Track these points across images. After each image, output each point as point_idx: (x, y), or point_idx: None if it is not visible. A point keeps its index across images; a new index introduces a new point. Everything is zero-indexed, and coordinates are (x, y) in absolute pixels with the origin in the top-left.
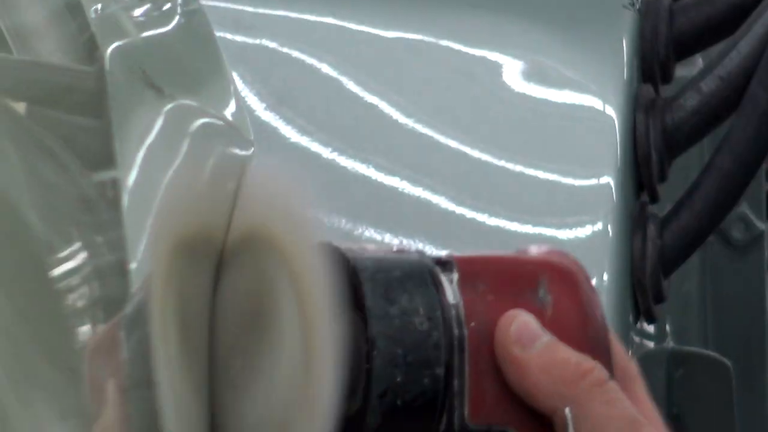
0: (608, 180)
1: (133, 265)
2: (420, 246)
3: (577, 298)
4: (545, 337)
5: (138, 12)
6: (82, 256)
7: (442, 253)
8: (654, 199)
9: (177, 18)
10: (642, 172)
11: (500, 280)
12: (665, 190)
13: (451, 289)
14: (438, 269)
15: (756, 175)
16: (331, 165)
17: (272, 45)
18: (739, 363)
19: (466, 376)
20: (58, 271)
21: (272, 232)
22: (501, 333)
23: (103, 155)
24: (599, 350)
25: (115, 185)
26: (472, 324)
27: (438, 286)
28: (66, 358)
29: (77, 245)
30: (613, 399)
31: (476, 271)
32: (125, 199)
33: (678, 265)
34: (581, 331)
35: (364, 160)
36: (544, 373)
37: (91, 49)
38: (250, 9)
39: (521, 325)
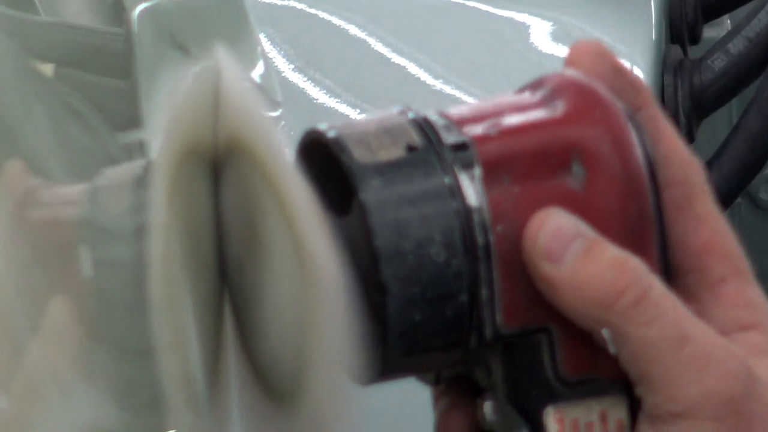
0: None
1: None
2: None
3: (615, 163)
4: (577, 243)
5: None
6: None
7: (455, 118)
8: None
9: None
10: None
11: (527, 164)
12: (694, 150)
13: (473, 188)
14: (457, 165)
15: None
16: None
17: (300, 6)
18: None
19: (495, 285)
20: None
21: (250, 143)
22: (528, 246)
23: (131, 116)
24: (642, 229)
25: (142, 146)
26: (499, 227)
27: (457, 193)
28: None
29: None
30: (653, 317)
31: (499, 158)
32: (152, 160)
33: None
34: (621, 209)
35: None
36: (577, 294)
37: (118, 11)
38: None
39: (550, 234)
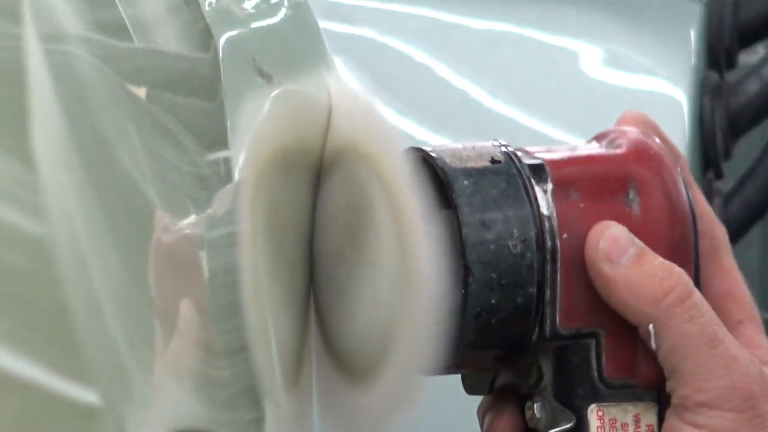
0: None
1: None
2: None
3: (665, 195)
4: (632, 249)
5: (248, 4)
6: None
7: (534, 152)
8: (719, 175)
9: (284, 9)
10: (708, 151)
11: (591, 186)
12: (729, 167)
13: (545, 199)
14: (533, 180)
15: None
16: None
17: (371, 35)
18: None
19: (558, 286)
20: None
21: (361, 145)
22: (590, 248)
23: (217, 136)
24: (684, 251)
25: (227, 163)
26: (565, 235)
27: (533, 200)
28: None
29: (192, 216)
30: (694, 316)
31: (568, 178)
32: (236, 176)
33: (742, 236)
34: (667, 233)
35: (454, 138)
36: (630, 291)
37: (205, 39)
38: (350, 2)
39: (609, 240)
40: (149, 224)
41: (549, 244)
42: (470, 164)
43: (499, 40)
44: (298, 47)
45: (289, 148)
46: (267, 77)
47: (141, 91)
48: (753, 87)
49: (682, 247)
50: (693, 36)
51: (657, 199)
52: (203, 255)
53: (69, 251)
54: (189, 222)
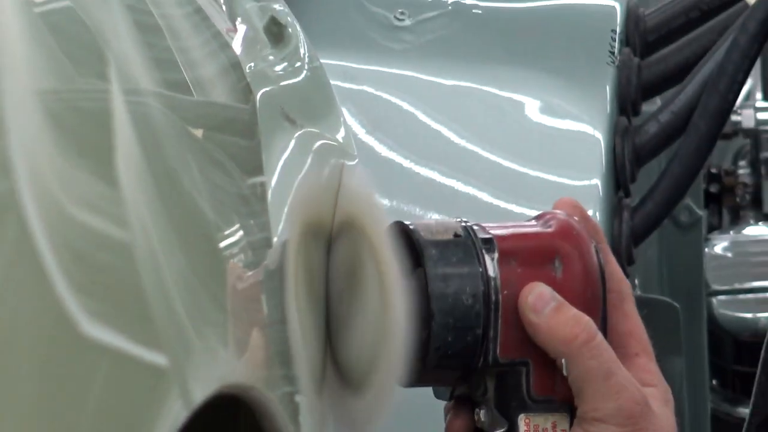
0: (596, 181)
1: (274, 239)
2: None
3: (581, 265)
4: (553, 303)
5: (278, 68)
6: (239, 234)
7: (487, 228)
8: (627, 194)
9: (305, 71)
10: (619, 176)
11: (527, 256)
12: (634, 188)
13: (492, 265)
14: (483, 250)
15: (696, 178)
16: (409, 171)
17: (369, 90)
18: (683, 305)
19: (498, 328)
20: (223, 244)
21: (359, 221)
22: (522, 302)
23: (255, 165)
24: (593, 300)
25: (263, 186)
26: (505, 292)
27: (483, 265)
28: (226, 301)
29: (236, 226)
30: (595, 355)
31: (510, 250)
32: (269, 195)
33: (643, 239)
34: (581, 290)
35: (431, 168)
36: (550, 334)
37: (246, 94)
38: (354, 65)
39: (536, 296)
40: (205, 232)
41: (493, 297)
42: (438, 237)
43: (464, 93)
44: (315, 99)
45: (314, 223)
46: (292, 122)
47: (198, 132)
48: (652, 129)
49: (592, 302)
50: (608, 91)
51: (575, 268)
52: (263, 298)
53: (145, 251)
54: (253, 274)
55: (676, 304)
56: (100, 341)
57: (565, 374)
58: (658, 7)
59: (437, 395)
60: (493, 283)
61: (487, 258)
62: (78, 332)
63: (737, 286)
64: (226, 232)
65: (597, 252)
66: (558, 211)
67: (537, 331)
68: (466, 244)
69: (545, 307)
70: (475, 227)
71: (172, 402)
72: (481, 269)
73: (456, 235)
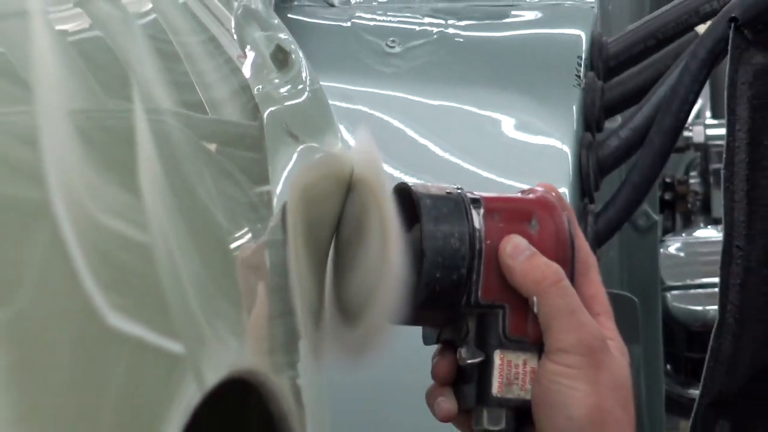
0: (564, 189)
1: (274, 202)
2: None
3: (554, 228)
4: (528, 252)
5: (283, 90)
6: (248, 237)
7: (477, 194)
8: (591, 201)
9: (307, 93)
10: (584, 185)
11: (508, 215)
12: (598, 196)
13: (478, 219)
14: (471, 206)
15: (653, 187)
16: (399, 180)
17: (364, 109)
18: (641, 299)
19: (481, 273)
20: (233, 246)
21: (367, 180)
22: (502, 249)
23: (262, 176)
24: (563, 259)
25: (269, 194)
26: (488, 241)
27: (469, 217)
28: (237, 297)
29: (245, 230)
30: (563, 293)
31: (494, 208)
32: (275, 202)
33: (606, 241)
34: (553, 248)
35: (419, 177)
36: (524, 275)
37: (254, 113)
38: (350, 87)
39: (514, 245)
40: (217, 236)
41: (477, 245)
42: (432, 192)
43: (447, 112)
44: (315, 117)
45: (314, 186)
46: (294, 137)
47: (212, 147)
48: (614, 143)
49: (562, 261)
50: (575, 110)
51: (548, 230)
52: (266, 253)
53: (164, 253)
54: (261, 271)
55: (634, 298)
56: (123, 332)
57: (535, 311)
58: (619, 36)
59: (426, 341)
60: (477, 233)
61: (474, 212)
62: (104, 324)
63: (689, 282)
64: (236, 236)
65: (568, 222)
66: (538, 188)
67: (513, 274)
68: (457, 200)
69: (521, 254)
70: (465, 191)
71: (188, 385)
72: (468, 220)
73: (448, 193)
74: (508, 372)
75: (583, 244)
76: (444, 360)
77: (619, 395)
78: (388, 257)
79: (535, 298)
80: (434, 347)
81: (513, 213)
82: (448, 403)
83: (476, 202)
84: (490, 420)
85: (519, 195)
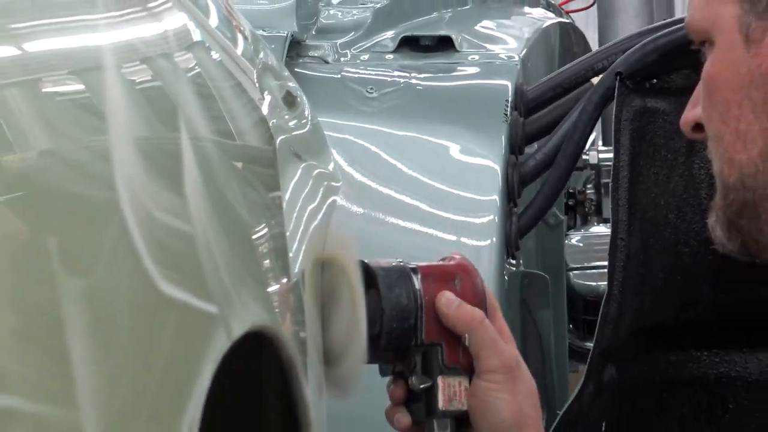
0: (495, 197)
1: (287, 233)
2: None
3: (471, 283)
4: (456, 302)
5: (291, 123)
6: (265, 230)
7: (413, 264)
8: (515, 205)
9: (308, 125)
10: (510, 194)
11: (438, 276)
12: (520, 201)
13: (417, 282)
14: (411, 273)
15: (560, 195)
16: (375, 189)
17: (350, 137)
18: (551, 277)
19: (423, 321)
20: (254, 236)
21: (338, 258)
22: (438, 301)
23: (274, 185)
24: (480, 305)
25: (280, 198)
26: (426, 297)
27: (412, 281)
28: (257, 274)
29: (263, 225)
30: (486, 329)
31: (428, 272)
32: (284, 204)
33: (525, 234)
34: (473, 298)
35: (390, 188)
36: (457, 319)
37: (270, 140)
38: (339, 122)
39: (446, 298)
40: (242, 228)
41: (419, 301)
42: (383, 264)
43: (411, 140)
44: (314, 143)
45: (318, 258)
46: (299, 157)
47: (239, 165)
48: (532, 163)
49: (480, 307)
50: (503, 139)
51: (468, 285)
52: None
53: (202, 240)
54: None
55: (546, 276)
56: (173, 297)
57: (467, 344)
58: (535, 85)
59: (382, 373)
60: (419, 292)
61: (414, 277)
62: (159, 291)
63: (586, 264)
64: (256, 228)
65: (481, 280)
66: (457, 255)
67: (448, 319)
68: (402, 269)
69: (452, 304)
70: (406, 263)
71: (220, 335)
72: (411, 283)
73: (394, 265)
74: (449, 391)
75: (490, 294)
76: (397, 386)
77: (533, 400)
78: (357, 317)
79: (467, 335)
80: (388, 378)
81: (441, 275)
82: (404, 417)
83: (414, 269)
84: (439, 428)
85: (442, 261)
